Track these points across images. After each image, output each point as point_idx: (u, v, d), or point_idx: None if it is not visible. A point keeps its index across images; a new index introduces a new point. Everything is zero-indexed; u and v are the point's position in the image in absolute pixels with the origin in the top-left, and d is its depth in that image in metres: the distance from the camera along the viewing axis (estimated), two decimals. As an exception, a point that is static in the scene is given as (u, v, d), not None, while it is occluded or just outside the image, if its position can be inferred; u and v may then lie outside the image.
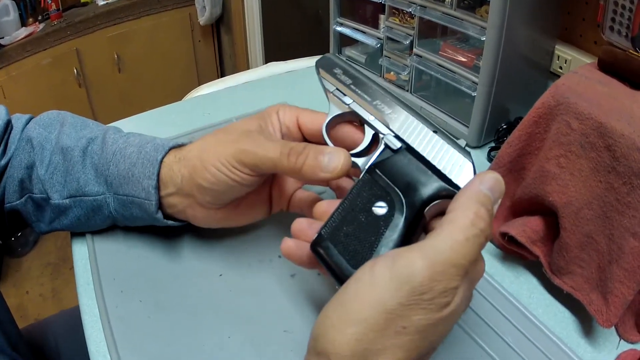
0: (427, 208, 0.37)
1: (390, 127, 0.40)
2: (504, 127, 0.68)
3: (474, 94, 0.67)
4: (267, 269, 0.51)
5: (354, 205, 0.38)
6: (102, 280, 0.50)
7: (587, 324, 0.48)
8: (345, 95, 0.44)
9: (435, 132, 0.38)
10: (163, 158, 0.47)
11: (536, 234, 0.50)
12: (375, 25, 0.83)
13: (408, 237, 0.36)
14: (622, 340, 0.47)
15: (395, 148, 0.39)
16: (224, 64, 2.75)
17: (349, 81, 0.44)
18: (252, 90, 0.87)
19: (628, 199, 0.43)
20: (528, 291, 0.51)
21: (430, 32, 0.75)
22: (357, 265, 0.33)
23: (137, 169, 0.47)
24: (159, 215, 0.48)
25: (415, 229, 0.37)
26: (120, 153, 0.48)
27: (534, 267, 0.53)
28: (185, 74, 2.63)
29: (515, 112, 0.70)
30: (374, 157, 0.40)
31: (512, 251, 0.52)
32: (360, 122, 0.43)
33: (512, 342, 0.46)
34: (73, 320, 0.48)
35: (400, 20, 0.77)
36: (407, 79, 0.79)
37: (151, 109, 0.82)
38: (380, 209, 0.37)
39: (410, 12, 0.72)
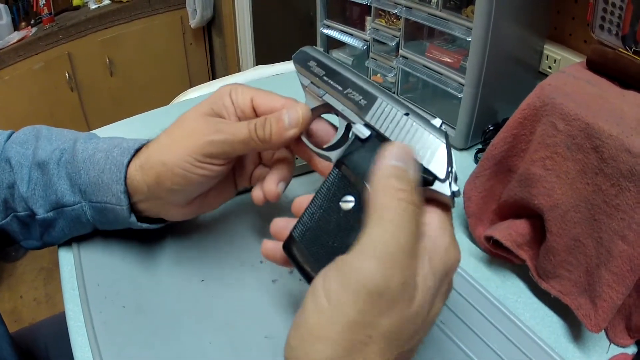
0: None
1: (361, 115, 0.38)
2: (491, 128, 0.67)
3: (460, 95, 0.66)
4: (249, 275, 0.51)
5: (323, 202, 0.36)
6: (86, 286, 0.50)
7: (575, 329, 0.47)
8: (319, 87, 0.42)
9: (407, 114, 0.36)
10: (130, 161, 0.47)
11: (522, 237, 0.49)
12: (362, 27, 0.83)
13: None
14: (612, 345, 0.46)
15: (363, 137, 0.37)
16: (216, 66, 2.76)
17: (322, 73, 0.42)
18: (240, 93, 0.87)
19: (616, 201, 0.42)
20: (514, 295, 0.50)
21: (416, 33, 0.74)
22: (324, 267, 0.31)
23: (106, 175, 0.47)
24: (133, 218, 0.48)
25: None
26: (90, 160, 0.48)
27: (520, 270, 0.52)
28: (177, 76, 2.63)
29: (503, 113, 0.69)
30: (343, 149, 0.38)
31: (498, 255, 0.52)
32: (336, 114, 0.41)
33: (498, 348, 0.45)
34: (62, 325, 0.48)
35: (386, 22, 0.76)
36: (393, 81, 0.78)
37: (143, 111, 0.83)
38: (348, 203, 0.35)
39: (396, 13, 0.72)
